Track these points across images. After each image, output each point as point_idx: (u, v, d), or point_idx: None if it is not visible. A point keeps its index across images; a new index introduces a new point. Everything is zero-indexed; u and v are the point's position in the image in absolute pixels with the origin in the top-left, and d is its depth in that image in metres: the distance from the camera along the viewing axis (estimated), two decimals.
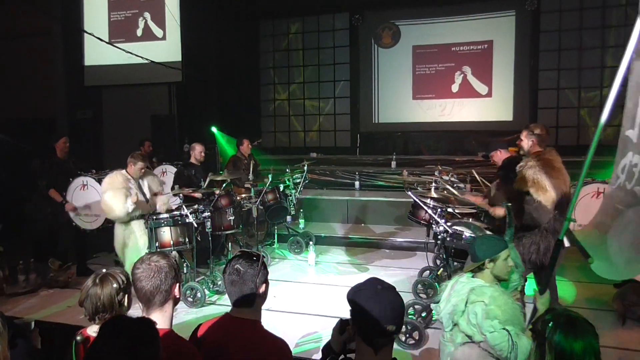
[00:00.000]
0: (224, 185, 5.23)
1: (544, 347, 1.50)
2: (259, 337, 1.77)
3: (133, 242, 4.50)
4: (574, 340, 1.47)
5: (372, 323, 1.40)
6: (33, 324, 2.59)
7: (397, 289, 1.53)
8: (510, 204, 2.94)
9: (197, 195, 4.88)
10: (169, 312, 1.78)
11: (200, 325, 1.88)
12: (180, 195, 5.11)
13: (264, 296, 1.84)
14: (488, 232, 3.46)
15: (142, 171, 4.59)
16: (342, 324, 1.57)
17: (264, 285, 1.82)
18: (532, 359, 1.55)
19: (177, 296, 1.82)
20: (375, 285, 1.47)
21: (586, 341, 1.48)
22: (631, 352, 3.40)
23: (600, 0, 8.39)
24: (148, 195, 4.64)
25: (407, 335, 3.47)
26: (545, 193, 3.03)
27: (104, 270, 1.97)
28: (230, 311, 1.84)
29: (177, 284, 1.81)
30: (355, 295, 1.48)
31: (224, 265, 1.93)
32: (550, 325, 1.50)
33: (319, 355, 1.73)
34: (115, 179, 4.43)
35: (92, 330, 1.87)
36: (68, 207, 5.14)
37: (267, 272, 1.87)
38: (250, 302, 1.79)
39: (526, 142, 3.31)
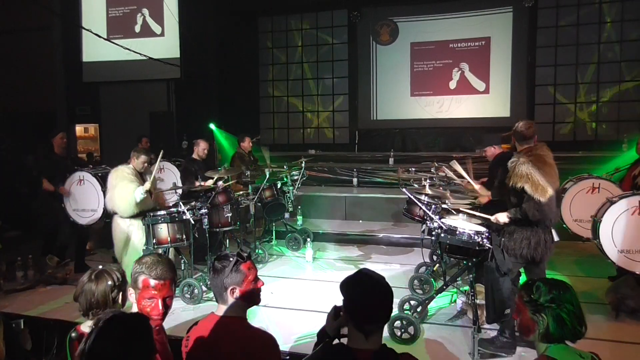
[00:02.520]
0: (221, 181, 5.25)
1: (557, 311, 1.60)
2: (245, 333, 1.79)
3: (136, 238, 4.52)
4: (572, 292, 1.63)
5: (362, 310, 1.50)
6: (22, 323, 2.60)
7: (393, 285, 1.61)
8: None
9: (208, 183, 4.94)
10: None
11: (192, 326, 1.89)
12: (179, 191, 5.13)
13: (243, 297, 1.82)
14: (481, 228, 3.48)
15: (144, 165, 4.61)
16: (336, 310, 1.67)
17: (237, 288, 1.80)
18: (539, 329, 1.62)
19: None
20: (365, 276, 1.57)
21: (571, 292, 1.64)
22: (624, 345, 3.43)
23: None
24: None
25: (403, 330, 3.50)
26: (540, 189, 3.04)
27: (101, 267, 1.99)
28: (217, 310, 1.86)
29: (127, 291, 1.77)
30: (347, 285, 1.58)
31: None
32: (555, 292, 1.62)
33: None
34: (121, 172, 4.47)
35: (87, 327, 1.88)
36: (62, 191, 5.15)
37: (245, 274, 1.82)
38: (224, 300, 1.83)
39: (513, 139, 3.38)
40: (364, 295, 1.51)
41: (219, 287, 1.82)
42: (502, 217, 3.31)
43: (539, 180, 3.04)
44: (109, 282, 1.89)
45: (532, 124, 3.29)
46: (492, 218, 3.38)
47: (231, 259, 1.84)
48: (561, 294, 1.61)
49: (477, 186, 4.00)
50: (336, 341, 1.67)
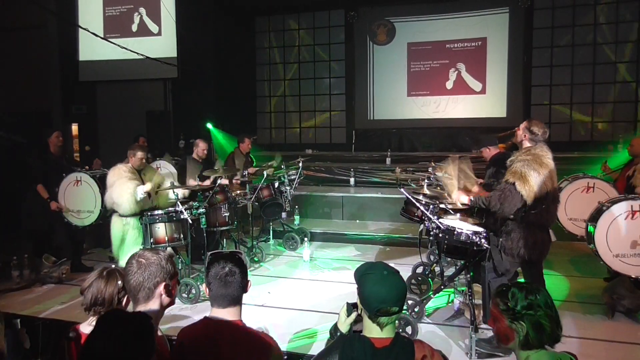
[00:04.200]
0: (218, 181, 5.24)
1: (519, 321, 1.56)
2: (245, 336, 1.78)
3: (131, 237, 4.50)
4: (544, 294, 1.59)
5: (378, 305, 1.56)
6: (19, 322, 2.58)
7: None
8: None
9: (206, 183, 4.96)
10: (152, 310, 1.75)
11: (182, 329, 1.87)
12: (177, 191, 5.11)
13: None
14: (479, 228, 3.49)
15: (142, 161, 4.60)
16: (348, 307, 1.72)
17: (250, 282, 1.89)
18: (519, 337, 1.57)
19: (164, 296, 1.77)
20: (382, 270, 1.63)
21: (545, 294, 1.60)
22: (619, 344, 3.46)
23: None
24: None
25: (400, 330, 3.51)
26: (528, 187, 3.05)
27: (114, 266, 2.00)
28: (211, 313, 1.84)
29: (164, 284, 1.76)
30: (363, 279, 1.63)
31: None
32: (532, 297, 1.58)
33: (313, 350, 1.78)
34: (119, 170, 4.45)
35: (85, 327, 1.88)
36: (53, 206, 5.11)
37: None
38: (239, 300, 1.84)
39: (521, 134, 3.31)
40: (381, 290, 1.58)
41: (239, 289, 1.82)
42: (464, 199, 3.35)
43: (530, 180, 3.06)
44: (119, 282, 1.89)
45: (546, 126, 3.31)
46: (454, 196, 3.41)
47: (238, 258, 1.85)
48: (537, 299, 1.56)
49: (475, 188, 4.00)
50: None
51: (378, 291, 1.57)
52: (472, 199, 3.30)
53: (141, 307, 1.75)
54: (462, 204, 3.38)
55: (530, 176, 3.06)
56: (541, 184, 3.09)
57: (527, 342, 1.55)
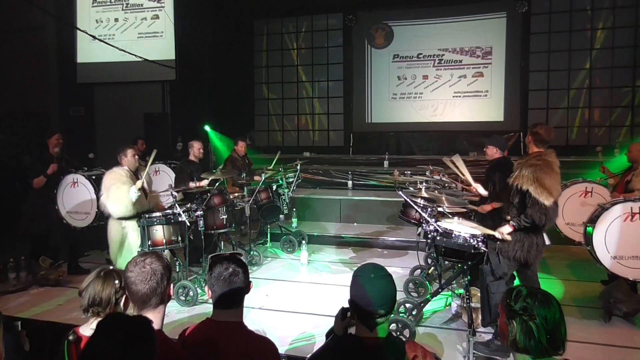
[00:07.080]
0: (217, 183, 5.25)
1: (527, 322, 1.54)
2: (246, 338, 1.79)
3: (130, 240, 4.48)
4: (550, 309, 1.55)
5: (364, 307, 1.60)
6: (19, 325, 2.57)
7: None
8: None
9: (203, 183, 4.95)
10: (162, 312, 1.79)
11: (184, 331, 1.88)
12: (174, 193, 5.11)
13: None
14: (477, 231, 3.51)
15: (135, 158, 4.55)
16: (343, 311, 1.75)
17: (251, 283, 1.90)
18: (519, 336, 1.55)
19: (172, 296, 1.85)
20: (369, 273, 1.65)
21: (551, 307, 1.56)
22: (616, 348, 3.47)
23: (589, 2, 8.52)
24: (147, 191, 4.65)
25: (398, 333, 3.51)
26: (544, 192, 3.05)
27: (112, 267, 2.00)
28: (213, 315, 1.84)
29: (171, 284, 1.84)
30: (352, 281, 1.67)
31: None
32: (529, 301, 1.56)
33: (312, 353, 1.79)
34: (115, 173, 4.41)
35: (85, 330, 1.88)
36: (53, 167, 5.15)
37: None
38: (242, 301, 1.84)
39: (529, 141, 3.40)
40: (366, 293, 1.60)
41: (242, 289, 1.83)
42: (506, 229, 3.22)
43: (545, 183, 3.05)
44: (116, 282, 1.89)
45: (553, 130, 3.33)
46: (497, 234, 3.27)
47: (239, 259, 1.86)
48: (536, 305, 1.52)
49: (475, 185, 4.02)
50: None
51: (363, 294, 1.60)
52: (514, 224, 3.20)
53: (150, 312, 1.75)
54: (508, 234, 3.25)
55: (545, 180, 3.06)
56: (554, 188, 3.09)
57: (515, 343, 1.54)
